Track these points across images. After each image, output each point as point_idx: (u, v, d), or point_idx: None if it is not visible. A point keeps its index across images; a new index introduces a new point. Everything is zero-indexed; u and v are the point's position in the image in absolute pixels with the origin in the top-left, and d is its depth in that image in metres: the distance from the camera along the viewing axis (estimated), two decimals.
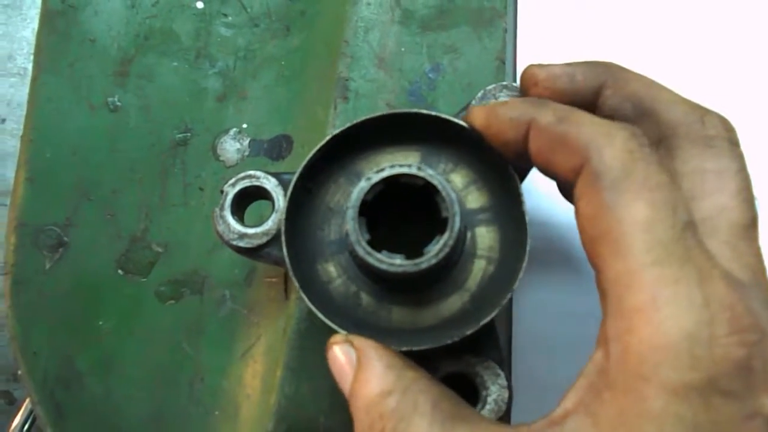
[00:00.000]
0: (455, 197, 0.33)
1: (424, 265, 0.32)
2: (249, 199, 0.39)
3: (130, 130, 0.50)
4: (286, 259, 0.35)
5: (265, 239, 0.37)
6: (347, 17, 0.46)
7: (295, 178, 0.36)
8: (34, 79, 0.51)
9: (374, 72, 0.45)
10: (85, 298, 0.47)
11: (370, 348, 0.31)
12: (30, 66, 0.80)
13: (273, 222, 0.37)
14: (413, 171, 0.33)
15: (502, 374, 0.35)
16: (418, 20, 0.46)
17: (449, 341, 0.32)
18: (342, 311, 0.36)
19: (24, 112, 0.73)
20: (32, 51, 0.77)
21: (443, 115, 0.36)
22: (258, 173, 0.38)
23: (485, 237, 0.37)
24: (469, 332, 0.32)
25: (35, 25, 0.80)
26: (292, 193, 0.36)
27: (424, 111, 0.36)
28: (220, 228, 0.38)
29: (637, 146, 0.28)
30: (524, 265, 0.33)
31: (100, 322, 0.47)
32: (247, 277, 0.47)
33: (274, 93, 0.50)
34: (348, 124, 0.36)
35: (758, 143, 0.47)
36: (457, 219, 0.32)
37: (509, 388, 0.34)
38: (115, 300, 0.47)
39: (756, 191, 0.31)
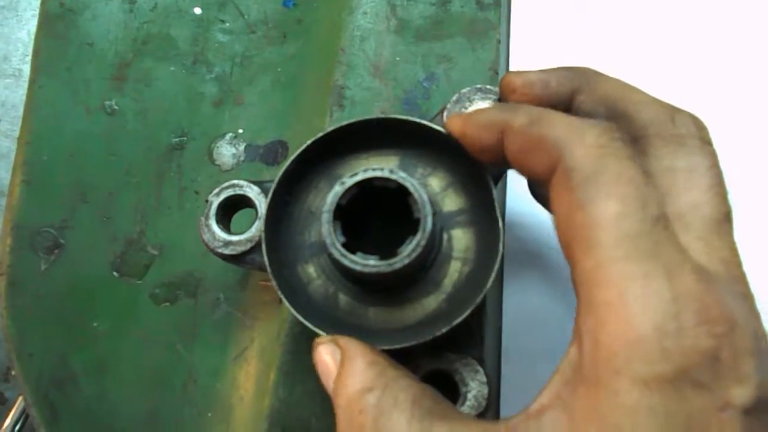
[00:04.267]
0: (427, 198, 0.33)
1: (397, 265, 0.33)
2: (234, 207, 0.40)
3: (127, 133, 0.50)
4: (267, 266, 0.36)
5: (248, 246, 0.38)
6: (344, 26, 0.47)
7: (273, 186, 0.37)
8: (31, 82, 0.52)
9: (369, 80, 0.46)
10: (81, 299, 0.48)
11: (353, 346, 0.32)
12: (25, 68, 0.81)
13: (256, 229, 0.38)
14: (386, 174, 0.34)
15: (482, 371, 0.35)
16: (414, 30, 0.47)
17: (422, 340, 0.33)
18: (321, 312, 0.37)
19: (18, 114, 0.74)
20: (27, 53, 0.77)
21: (420, 120, 0.37)
22: (241, 182, 0.39)
23: (461, 239, 0.37)
24: (440, 333, 0.33)
25: (31, 27, 0.81)
26: (270, 202, 0.37)
27: (401, 116, 0.37)
28: (206, 236, 0.39)
29: (608, 141, 0.28)
30: (497, 266, 0.34)
31: (95, 324, 0.47)
32: (242, 280, 0.47)
33: (270, 99, 0.51)
34: (326, 131, 0.37)
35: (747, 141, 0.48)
36: (429, 219, 0.33)
37: (489, 384, 0.35)
38: (110, 302, 0.48)
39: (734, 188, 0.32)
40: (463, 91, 0.38)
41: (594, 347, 0.26)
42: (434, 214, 0.34)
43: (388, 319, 0.37)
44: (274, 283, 0.35)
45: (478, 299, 0.34)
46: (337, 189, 0.34)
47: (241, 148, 0.50)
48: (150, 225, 0.49)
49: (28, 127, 0.51)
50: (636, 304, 0.25)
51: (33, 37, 0.78)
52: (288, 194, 0.38)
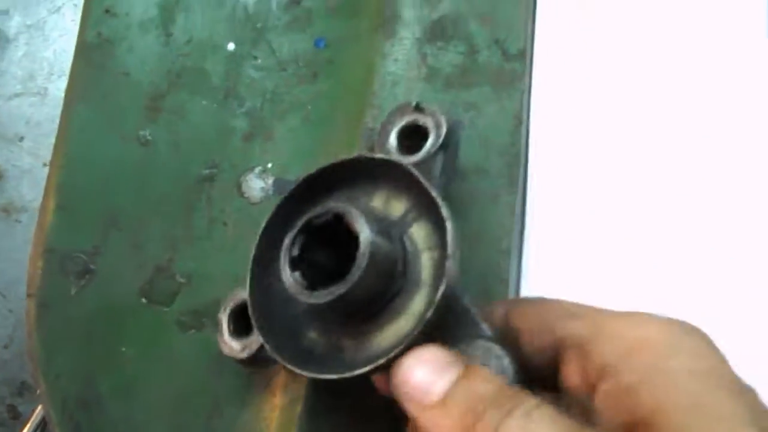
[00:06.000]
0: (360, 216, 0.35)
1: (341, 290, 0.34)
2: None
3: (160, 163, 0.52)
4: (272, 353, 0.38)
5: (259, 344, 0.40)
6: (375, 70, 0.49)
7: (249, 271, 0.40)
8: (66, 107, 0.54)
9: None
10: (109, 324, 0.49)
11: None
12: (50, 86, 0.83)
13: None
14: (318, 211, 0.36)
15: (494, 346, 0.34)
16: (443, 78, 0.49)
17: (416, 332, 0.33)
18: (328, 364, 0.38)
19: (42, 131, 0.75)
20: (53, 72, 0.79)
21: (343, 160, 0.40)
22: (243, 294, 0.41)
23: (419, 232, 0.38)
24: (428, 315, 0.33)
25: (57, 46, 0.83)
26: (252, 286, 0.40)
27: (342, 159, 0.40)
28: (226, 350, 0.42)
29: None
30: (451, 228, 0.35)
31: (123, 348, 0.48)
32: None
33: (299, 136, 0.52)
34: (281, 198, 0.41)
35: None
36: (365, 235, 0.34)
37: (509, 354, 0.34)
38: (138, 327, 0.49)
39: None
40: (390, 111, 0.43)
41: None
42: (375, 227, 0.35)
43: (394, 333, 0.37)
44: (289, 370, 0.37)
45: (449, 267, 0.34)
46: (286, 242, 0.36)
47: (270, 181, 0.52)
48: (179, 254, 0.50)
49: (61, 151, 0.52)
50: None
51: (58, 56, 0.80)
52: (265, 272, 0.40)
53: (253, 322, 0.39)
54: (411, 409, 0.32)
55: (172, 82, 0.54)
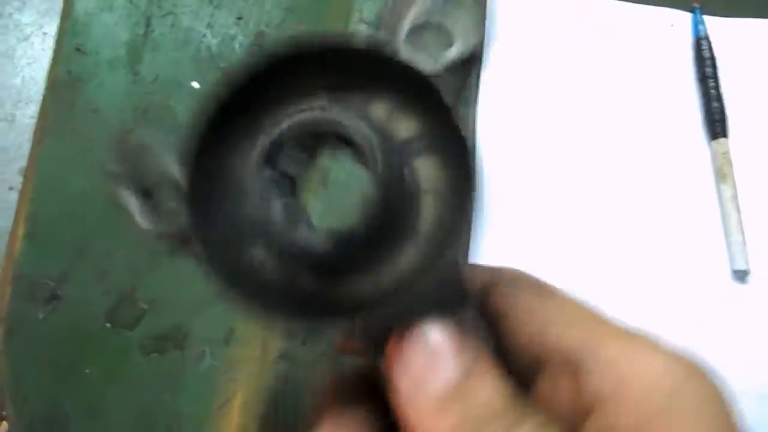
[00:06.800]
0: (373, 140, 0.26)
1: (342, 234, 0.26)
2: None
3: None
4: (202, 251, 0.26)
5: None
6: None
7: (194, 144, 0.28)
8: (37, 142, 0.56)
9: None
10: (75, 347, 0.52)
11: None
12: (18, 113, 0.84)
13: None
14: (316, 116, 0.26)
15: (482, 325, 0.29)
16: None
17: (412, 296, 0.26)
18: (279, 297, 0.28)
19: (8, 157, 0.78)
20: (20, 98, 0.81)
21: (356, 44, 0.28)
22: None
23: (426, 168, 0.29)
24: (428, 280, 0.26)
25: (25, 73, 0.84)
26: (194, 162, 0.28)
27: (330, 37, 0.27)
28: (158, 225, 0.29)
29: None
30: (474, 192, 0.26)
31: (87, 371, 0.51)
32: (226, 336, 0.52)
33: None
34: (242, 70, 0.28)
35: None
36: (379, 165, 0.26)
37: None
38: (103, 351, 0.52)
39: None
40: None
41: None
42: (388, 158, 0.26)
43: (363, 287, 0.28)
44: (211, 274, 0.26)
45: (459, 236, 0.26)
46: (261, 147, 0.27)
47: None
48: (142, 281, 0.53)
49: (32, 184, 0.55)
50: None
51: (26, 83, 0.82)
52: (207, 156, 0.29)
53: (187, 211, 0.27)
54: (397, 396, 0.26)
55: (139, 117, 0.57)
